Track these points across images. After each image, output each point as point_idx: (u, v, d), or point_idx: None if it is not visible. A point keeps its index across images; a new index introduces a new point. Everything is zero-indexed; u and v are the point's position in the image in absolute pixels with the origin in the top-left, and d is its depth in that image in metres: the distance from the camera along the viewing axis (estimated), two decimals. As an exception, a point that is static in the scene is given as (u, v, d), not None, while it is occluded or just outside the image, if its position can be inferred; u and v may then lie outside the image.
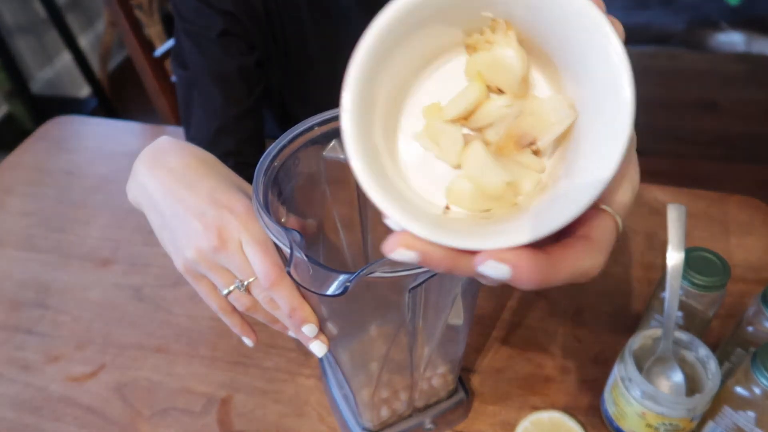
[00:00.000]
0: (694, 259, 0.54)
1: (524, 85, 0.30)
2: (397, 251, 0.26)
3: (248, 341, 0.54)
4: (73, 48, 2.05)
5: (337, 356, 0.53)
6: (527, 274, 0.26)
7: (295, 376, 0.64)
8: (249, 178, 0.83)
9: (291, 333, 0.51)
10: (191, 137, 0.76)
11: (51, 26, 2.02)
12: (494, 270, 0.25)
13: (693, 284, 0.53)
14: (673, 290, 0.52)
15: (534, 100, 0.30)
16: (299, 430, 0.60)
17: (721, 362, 0.57)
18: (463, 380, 0.59)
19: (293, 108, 0.92)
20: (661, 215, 0.77)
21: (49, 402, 0.64)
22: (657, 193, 0.80)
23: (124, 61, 2.51)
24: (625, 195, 0.30)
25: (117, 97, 2.25)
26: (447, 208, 0.30)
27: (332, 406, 0.60)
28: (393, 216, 0.26)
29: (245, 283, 0.48)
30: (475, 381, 0.63)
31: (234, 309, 0.52)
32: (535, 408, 0.60)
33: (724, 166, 1.92)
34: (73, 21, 2.25)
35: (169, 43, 1.09)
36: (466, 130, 0.31)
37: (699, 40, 2.44)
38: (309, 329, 0.47)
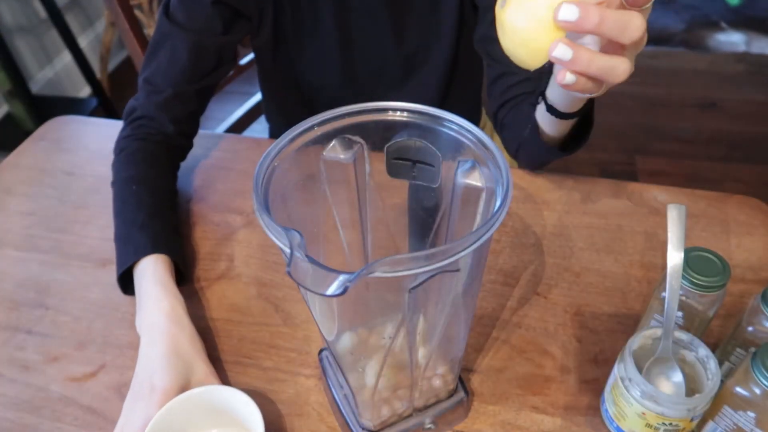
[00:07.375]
0: (694, 259, 0.54)
1: None
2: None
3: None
4: (73, 48, 2.05)
5: (337, 356, 0.53)
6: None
7: (295, 376, 0.64)
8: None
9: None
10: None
11: (51, 26, 2.02)
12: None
13: (693, 284, 0.53)
14: (673, 290, 0.52)
15: None
16: (299, 430, 0.60)
17: (721, 362, 0.57)
18: (463, 380, 0.59)
19: (307, 100, 0.92)
20: (661, 215, 0.77)
21: (49, 402, 0.64)
22: (657, 193, 0.80)
23: (124, 61, 2.51)
24: None
25: (117, 97, 2.25)
26: None
27: (332, 406, 0.60)
28: None
29: None
30: (475, 381, 0.63)
31: None
32: (535, 408, 0.60)
33: (724, 166, 1.92)
34: (73, 21, 2.25)
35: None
36: None
37: (699, 40, 2.44)
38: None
